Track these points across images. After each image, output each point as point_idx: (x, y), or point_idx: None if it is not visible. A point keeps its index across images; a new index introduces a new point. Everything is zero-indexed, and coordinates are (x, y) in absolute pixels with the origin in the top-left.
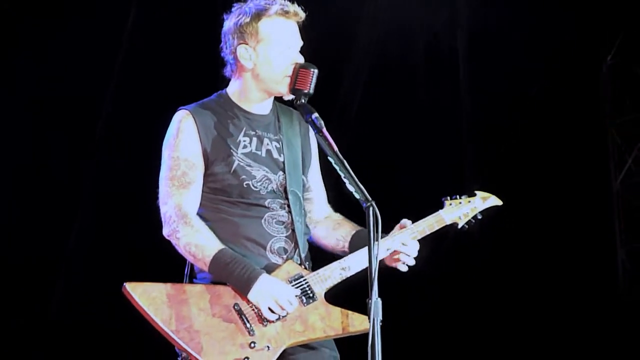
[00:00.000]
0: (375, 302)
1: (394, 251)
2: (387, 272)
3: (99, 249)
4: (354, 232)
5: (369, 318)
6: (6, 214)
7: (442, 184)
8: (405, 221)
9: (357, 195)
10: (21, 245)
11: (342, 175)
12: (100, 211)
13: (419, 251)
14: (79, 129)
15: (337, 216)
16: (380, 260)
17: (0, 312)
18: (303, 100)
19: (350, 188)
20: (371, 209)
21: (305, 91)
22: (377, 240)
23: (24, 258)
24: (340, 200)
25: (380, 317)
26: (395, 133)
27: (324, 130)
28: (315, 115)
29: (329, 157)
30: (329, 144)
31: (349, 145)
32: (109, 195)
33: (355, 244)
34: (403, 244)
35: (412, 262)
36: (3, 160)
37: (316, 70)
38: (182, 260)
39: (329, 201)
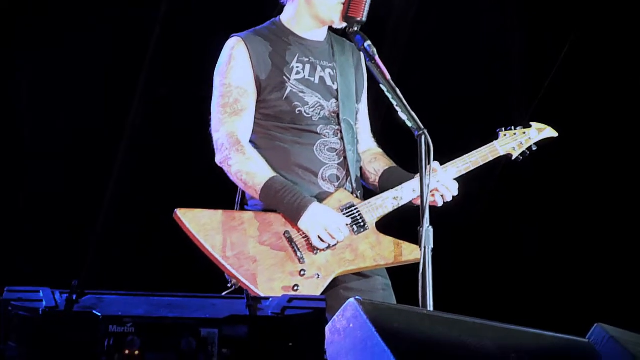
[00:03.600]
0: (427, 230)
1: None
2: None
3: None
4: (387, 167)
5: (420, 246)
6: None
7: (494, 116)
8: (435, 164)
9: (409, 124)
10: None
11: (395, 103)
12: (150, 136)
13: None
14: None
15: (377, 150)
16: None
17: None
18: (356, 28)
19: (403, 116)
20: (423, 137)
21: (358, 19)
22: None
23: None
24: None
25: (431, 245)
26: (448, 63)
27: (377, 57)
28: (369, 43)
29: (381, 85)
30: (382, 72)
31: (400, 74)
32: (159, 123)
33: (385, 179)
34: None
35: (449, 199)
36: None
37: None
38: (233, 187)
39: (374, 135)
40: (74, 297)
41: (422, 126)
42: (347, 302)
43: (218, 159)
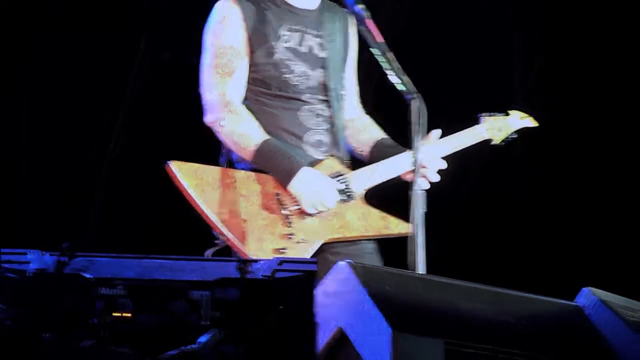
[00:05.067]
0: (418, 194)
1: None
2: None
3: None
4: (377, 139)
5: (411, 209)
6: None
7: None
8: (436, 131)
9: (401, 88)
10: None
11: (386, 67)
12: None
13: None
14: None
15: (367, 119)
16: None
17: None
18: None
19: (394, 80)
20: (416, 100)
21: None
22: (421, 132)
23: None
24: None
25: (424, 209)
26: (445, 31)
27: (368, 20)
28: (361, 5)
29: (371, 49)
30: (372, 35)
31: (395, 39)
32: (146, 89)
33: (376, 151)
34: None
35: (437, 179)
36: None
37: None
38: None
39: (364, 103)
40: (64, 259)
41: (414, 89)
42: (339, 265)
43: (209, 119)
